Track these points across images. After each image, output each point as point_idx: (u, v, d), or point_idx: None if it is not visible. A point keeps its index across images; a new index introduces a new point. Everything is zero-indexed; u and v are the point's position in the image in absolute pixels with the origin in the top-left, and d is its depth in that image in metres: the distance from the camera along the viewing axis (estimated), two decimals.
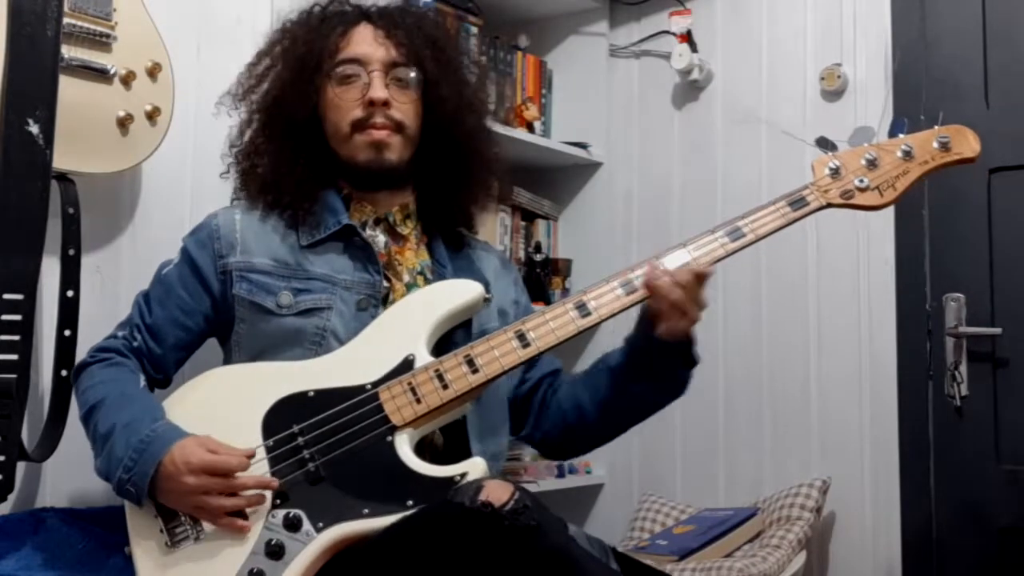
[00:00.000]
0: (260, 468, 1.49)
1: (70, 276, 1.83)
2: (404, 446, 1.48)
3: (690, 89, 2.93)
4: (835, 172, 1.62)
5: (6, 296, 1.68)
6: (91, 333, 1.77)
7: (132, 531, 1.52)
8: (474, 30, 2.77)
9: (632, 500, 2.89)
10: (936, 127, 1.64)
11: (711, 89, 2.91)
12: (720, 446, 2.81)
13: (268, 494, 1.47)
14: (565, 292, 2.97)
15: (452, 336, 1.62)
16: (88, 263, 1.89)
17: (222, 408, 1.57)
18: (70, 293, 1.83)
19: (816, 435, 2.67)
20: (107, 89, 1.84)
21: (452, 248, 1.76)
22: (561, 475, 2.85)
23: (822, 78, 2.70)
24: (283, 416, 1.52)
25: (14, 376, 1.69)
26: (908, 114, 2.50)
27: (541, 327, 1.54)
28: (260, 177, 1.71)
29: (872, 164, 1.62)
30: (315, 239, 1.67)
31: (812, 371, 2.69)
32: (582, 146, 2.98)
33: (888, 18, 2.63)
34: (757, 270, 2.74)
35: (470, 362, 1.52)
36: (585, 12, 3.05)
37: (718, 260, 1.56)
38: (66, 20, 1.75)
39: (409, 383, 1.51)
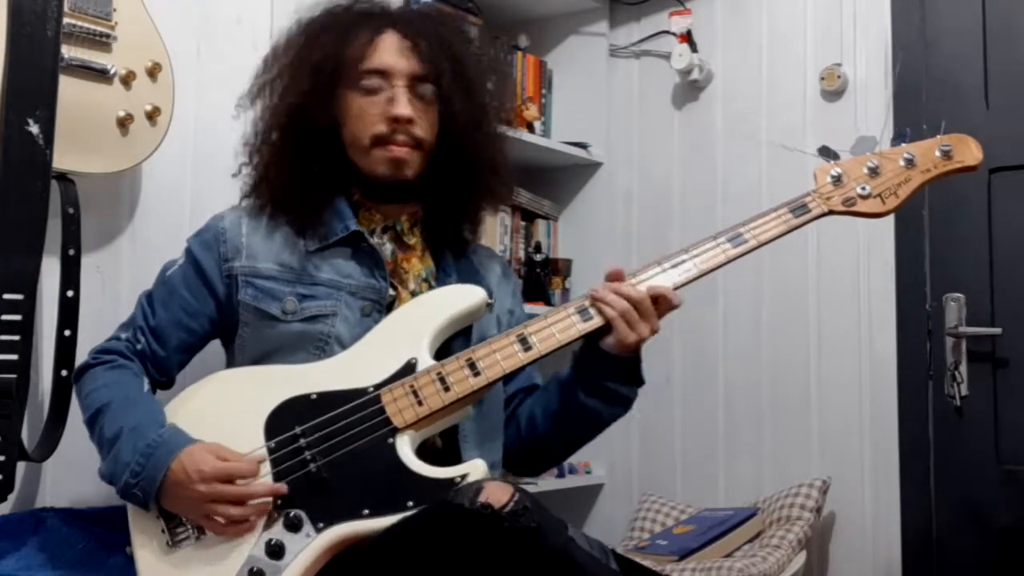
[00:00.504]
0: (263, 469, 1.48)
1: (70, 276, 1.83)
2: (405, 448, 1.48)
3: (690, 89, 2.93)
4: (837, 180, 1.62)
5: (6, 296, 1.67)
6: (91, 333, 1.77)
7: (134, 531, 1.52)
8: (474, 30, 2.77)
9: (632, 500, 2.89)
10: (938, 136, 1.65)
11: (711, 89, 2.91)
12: (720, 446, 2.81)
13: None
14: (565, 292, 2.97)
15: (451, 344, 1.61)
16: (88, 263, 1.89)
17: (225, 410, 1.57)
18: (70, 293, 1.83)
19: (816, 435, 2.67)
20: (107, 89, 1.84)
21: (456, 254, 1.76)
22: (561, 475, 2.85)
23: (822, 78, 2.70)
24: (285, 418, 1.52)
25: (14, 376, 1.69)
26: (908, 114, 2.51)
27: (543, 331, 1.54)
28: (272, 181, 1.68)
29: (874, 172, 1.62)
30: (322, 244, 1.66)
31: (812, 371, 2.69)
32: (582, 146, 2.98)
33: (888, 18, 2.63)
34: (758, 270, 2.74)
35: (471, 365, 1.52)
36: (585, 12, 3.05)
37: (720, 266, 1.57)
38: (66, 20, 1.74)
39: (411, 385, 1.51)
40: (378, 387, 1.52)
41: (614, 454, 2.94)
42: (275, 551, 1.44)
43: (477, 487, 1.34)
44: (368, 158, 1.65)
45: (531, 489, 1.97)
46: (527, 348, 1.53)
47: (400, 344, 1.55)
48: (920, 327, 2.53)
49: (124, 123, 1.86)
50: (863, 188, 1.61)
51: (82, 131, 1.80)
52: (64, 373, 1.80)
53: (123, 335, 1.68)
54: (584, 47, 3.06)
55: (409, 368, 1.53)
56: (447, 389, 1.51)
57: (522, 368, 1.56)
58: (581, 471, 2.93)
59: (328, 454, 1.48)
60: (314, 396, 1.53)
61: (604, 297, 1.55)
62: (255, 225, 1.69)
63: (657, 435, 2.86)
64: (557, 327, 1.55)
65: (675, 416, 2.84)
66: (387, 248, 1.69)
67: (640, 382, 1.64)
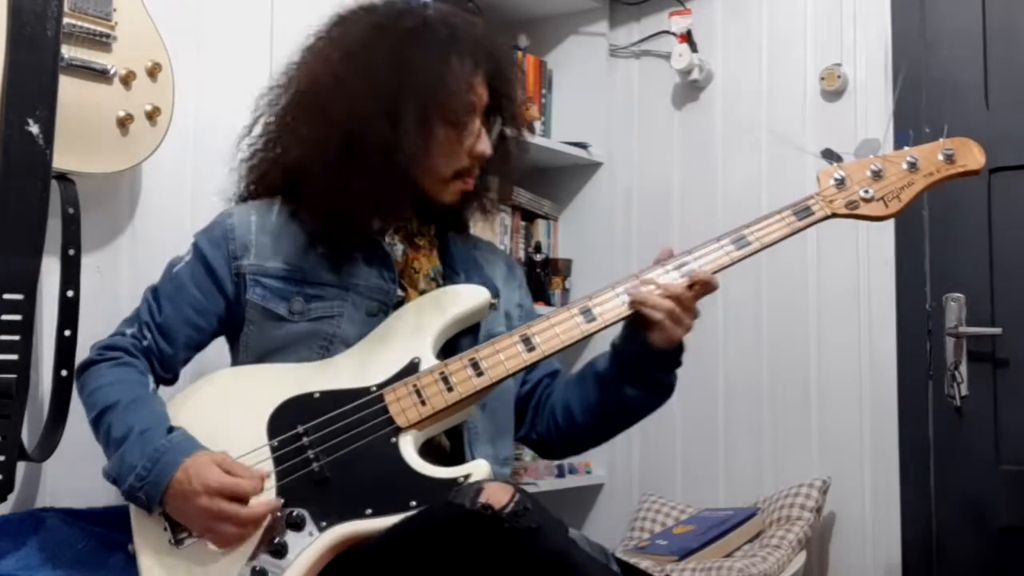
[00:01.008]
0: (265, 468, 1.48)
1: (70, 276, 1.83)
2: (408, 447, 1.48)
3: (690, 89, 2.93)
4: (840, 183, 1.62)
5: (6, 296, 1.67)
6: (91, 333, 1.76)
7: (136, 529, 1.52)
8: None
9: (632, 500, 2.89)
10: (941, 139, 1.65)
11: (711, 89, 2.91)
12: (720, 446, 2.81)
13: (272, 491, 1.47)
14: (565, 292, 2.97)
15: (458, 342, 1.61)
16: (88, 263, 1.89)
17: (228, 408, 1.56)
18: (70, 293, 1.82)
19: (816, 435, 2.67)
20: (107, 89, 1.83)
21: (460, 249, 1.75)
22: (561, 475, 2.85)
23: (822, 78, 2.70)
24: (288, 417, 1.51)
25: (14, 376, 1.68)
26: (908, 115, 2.51)
27: (546, 331, 1.55)
28: (323, 199, 1.60)
29: (877, 175, 1.63)
30: (336, 247, 1.64)
31: (812, 371, 2.69)
32: (582, 146, 2.98)
33: (888, 18, 2.63)
34: (758, 270, 2.74)
35: (475, 365, 1.52)
36: (585, 12, 3.05)
37: (723, 268, 1.58)
38: (66, 20, 1.74)
39: (414, 385, 1.51)
40: (381, 386, 1.51)
41: (614, 454, 2.94)
42: (278, 550, 1.44)
43: (478, 487, 1.34)
44: (444, 188, 1.64)
45: (531, 489, 1.97)
46: (530, 348, 1.54)
47: (404, 343, 1.55)
48: (920, 327, 2.54)
49: (124, 123, 1.85)
50: (866, 191, 1.61)
51: (82, 131, 1.80)
52: (64, 373, 1.80)
53: (128, 331, 1.65)
54: (584, 47, 3.07)
55: (412, 368, 1.53)
56: (450, 389, 1.51)
57: (525, 368, 1.56)
58: (581, 471, 2.93)
59: (331, 453, 1.48)
60: (317, 395, 1.53)
61: (647, 300, 1.55)
62: (265, 223, 1.66)
63: (657, 435, 2.86)
64: (560, 327, 1.55)
65: (675, 416, 2.83)
66: (398, 248, 1.68)
67: (679, 365, 1.65)
